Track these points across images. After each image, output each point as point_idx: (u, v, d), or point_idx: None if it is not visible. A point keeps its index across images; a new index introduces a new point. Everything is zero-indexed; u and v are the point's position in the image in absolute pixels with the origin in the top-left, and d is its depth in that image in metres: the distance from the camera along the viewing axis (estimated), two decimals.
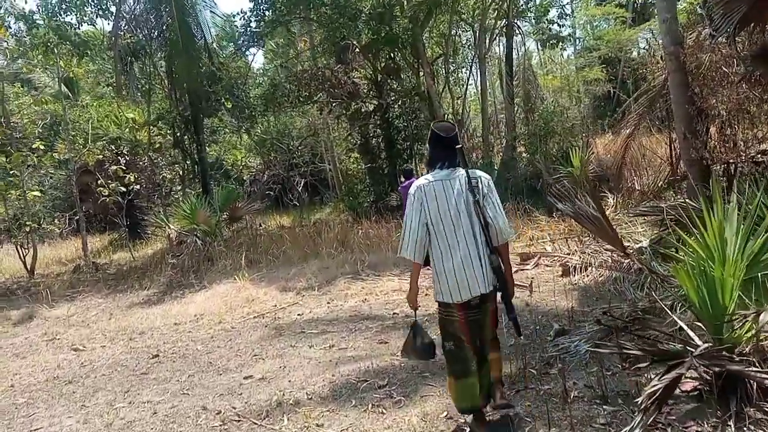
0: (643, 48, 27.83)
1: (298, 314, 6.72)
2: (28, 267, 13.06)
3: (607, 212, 9.16)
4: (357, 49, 15.32)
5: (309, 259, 9.97)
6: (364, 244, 9.99)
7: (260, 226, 17.18)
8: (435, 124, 3.27)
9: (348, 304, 6.89)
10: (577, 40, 31.64)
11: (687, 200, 8.06)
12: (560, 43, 18.08)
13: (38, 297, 10.12)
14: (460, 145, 3.14)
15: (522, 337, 4.38)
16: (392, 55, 16.01)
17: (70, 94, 22.33)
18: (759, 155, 7.41)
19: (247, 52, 16.29)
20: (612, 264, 6.54)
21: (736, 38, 6.22)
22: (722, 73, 7.09)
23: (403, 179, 9.38)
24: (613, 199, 9.56)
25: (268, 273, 9.50)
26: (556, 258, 7.56)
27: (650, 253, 5.97)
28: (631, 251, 6.70)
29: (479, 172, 3.15)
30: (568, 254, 7.60)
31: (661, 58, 8.05)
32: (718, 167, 8.16)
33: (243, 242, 11.93)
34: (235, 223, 13.52)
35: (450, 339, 3.09)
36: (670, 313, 3.99)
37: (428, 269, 3.23)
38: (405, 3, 14.75)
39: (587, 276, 6.39)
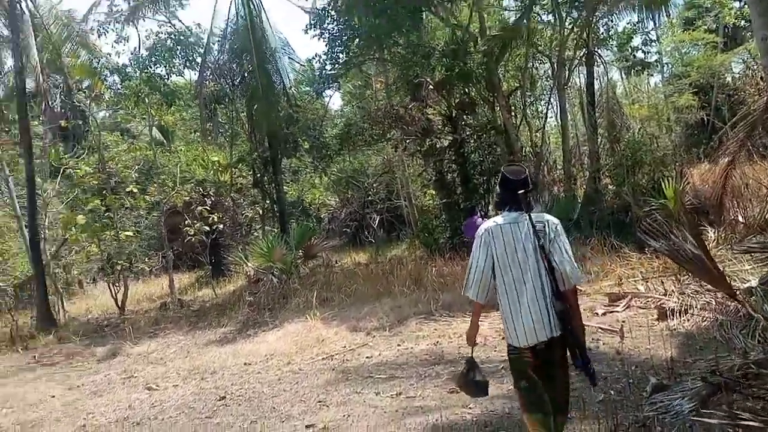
0: (738, 72, 25.98)
1: (367, 357, 6.45)
2: (119, 304, 13.72)
3: (708, 248, 8.30)
4: (431, 86, 15.28)
5: (381, 298, 9.72)
6: (437, 282, 9.62)
7: (336, 263, 17.25)
8: (505, 168, 3.29)
9: (419, 347, 6.53)
10: (665, 67, 29.98)
11: None
12: (646, 70, 17.11)
13: (123, 334, 10.51)
14: (530, 188, 3.12)
15: (606, 393, 3.93)
16: (466, 90, 15.82)
17: (164, 141, 23.91)
18: None
19: (324, 94, 16.70)
20: (716, 307, 5.80)
21: None
22: None
23: (465, 216, 8.91)
24: (714, 233, 8.66)
25: (340, 312, 9.34)
26: (650, 299, 6.85)
27: (761, 295, 5.22)
28: (739, 293, 5.93)
29: (547, 216, 3.13)
30: (664, 295, 6.87)
31: (761, 79, 7.29)
32: None
33: (317, 280, 11.89)
34: (310, 261, 13.58)
35: (523, 378, 3.05)
36: None
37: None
38: (479, 38, 14.62)
39: (688, 320, 5.68)
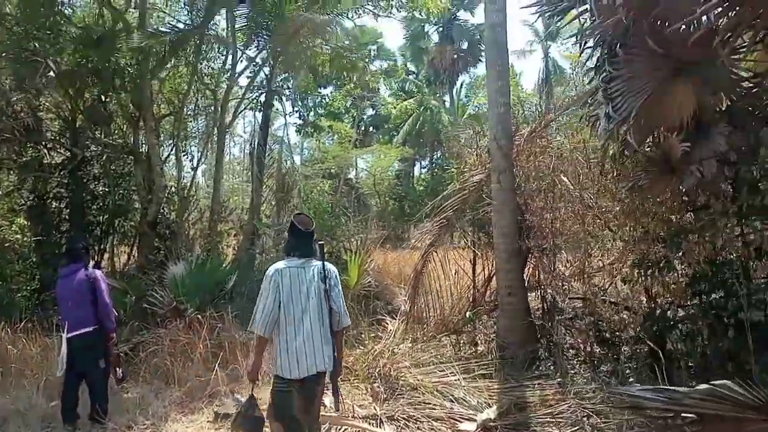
0: (362, 168, 28.77)
1: None
2: None
3: (387, 342, 6.71)
4: (54, 73, 10.82)
5: None
6: None
7: None
8: (295, 217, 3.65)
9: None
10: (304, 150, 31.05)
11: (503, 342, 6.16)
12: (317, 134, 16.27)
13: None
14: (316, 238, 3.57)
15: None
16: (104, 96, 11.95)
17: None
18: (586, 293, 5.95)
19: None
20: None
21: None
22: (574, 177, 5.62)
23: (64, 262, 5.04)
24: (397, 325, 7.22)
25: None
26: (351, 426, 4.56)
27: None
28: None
29: (329, 266, 3.54)
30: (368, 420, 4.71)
31: (488, 152, 6.33)
32: (537, 301, 6.58)
33: None
34: None
35: (281, 416, 3.28)
36: None
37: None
38: (137, 33, 11.06)
39: None
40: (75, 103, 11.42)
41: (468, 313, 6.40)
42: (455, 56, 28.75)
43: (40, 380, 5.36)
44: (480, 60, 29.33)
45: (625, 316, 5.52)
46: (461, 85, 32.08)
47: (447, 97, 31.79)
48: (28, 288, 10.15)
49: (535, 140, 5.94)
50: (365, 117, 33.17)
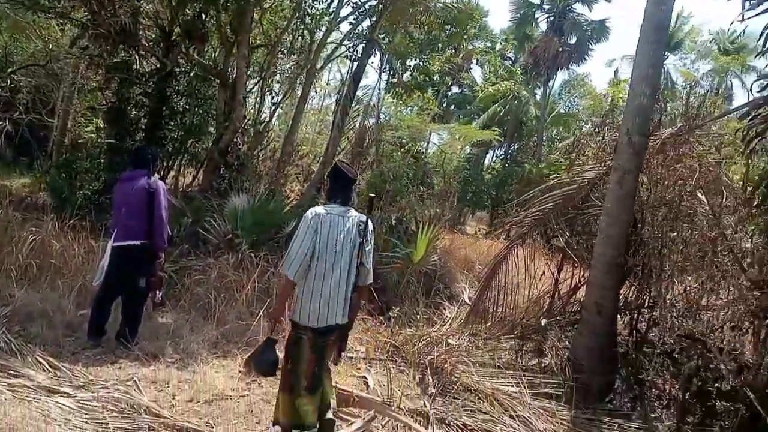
0: (435, 143, 27.64)
1: None
2: None
3: (443, 330, 6.05)
4: None
5: None
6: (29, 264, 5.10)
7: None
8: (340, 163, 3.49)
9: None
10: (381, 113, 30.16)
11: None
12: (407, 96, 15.51)
13: None
14: (356, 188, 3.41)
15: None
16: (204, 14, 11.57)
17: None
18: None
19: None
20: None
21: None
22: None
23: (130, 168, 4.63)
24: (456, 313, 6.53)
25: None
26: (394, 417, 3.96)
27: None
28: None
29: (364, 217, 3.35)
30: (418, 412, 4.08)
31: (614, 147, 5.41)
32: (624, 326, 5.73)
33: None
34: None
35: (294, 360, 3.22)
36: None
37: None
38: None
39: None
40: (175, 14, 11.07)
41: (543, 321, 5.62)
42: (560, 49, 26.97)
43: (75, 284, 5.02)
44: (584, 59, 27.59)
45: (728, 366, 4.66)
46: (555, 81, 30.30)
47: (539, 91, 30.18)
48: (91, 188, 10.02)
49: (676, 145, 5.00)
50: (449, 94, 32.14)
